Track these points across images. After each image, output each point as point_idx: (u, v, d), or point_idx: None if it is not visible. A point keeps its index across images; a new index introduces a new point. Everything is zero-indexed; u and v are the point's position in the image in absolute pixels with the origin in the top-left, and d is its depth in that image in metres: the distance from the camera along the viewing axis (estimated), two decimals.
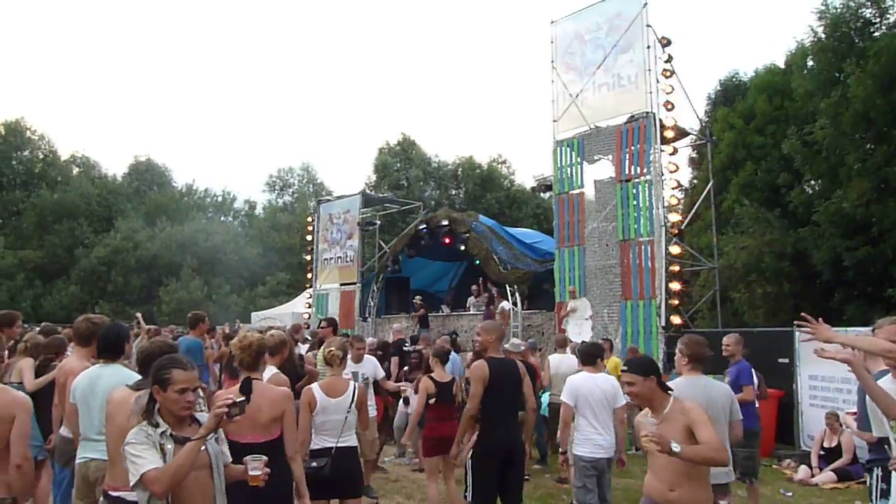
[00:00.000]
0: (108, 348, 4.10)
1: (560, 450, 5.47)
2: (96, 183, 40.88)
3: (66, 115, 73.55)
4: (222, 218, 46.90)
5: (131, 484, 2.54)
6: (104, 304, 33.09)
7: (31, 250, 35.22)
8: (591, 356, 5.63)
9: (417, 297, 15.96)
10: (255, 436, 3.54)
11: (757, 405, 6.70)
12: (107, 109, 77.05)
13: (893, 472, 3.75)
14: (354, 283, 18.18)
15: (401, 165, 40.12)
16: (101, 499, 3.41)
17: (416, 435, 7.21)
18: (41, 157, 40.36)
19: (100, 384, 3.91)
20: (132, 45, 79.82)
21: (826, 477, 8.42)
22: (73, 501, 4.20)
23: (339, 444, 4.53)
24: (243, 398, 2.77)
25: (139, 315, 10.65)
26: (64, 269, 35.54)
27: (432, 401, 6.00)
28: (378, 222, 19.70)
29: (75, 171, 42.34)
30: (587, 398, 5.32)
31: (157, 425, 2.60)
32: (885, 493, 4.15)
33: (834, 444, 8.60)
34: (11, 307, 30.13)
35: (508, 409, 5.11)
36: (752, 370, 6.61)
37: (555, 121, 13.79)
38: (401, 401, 9.29)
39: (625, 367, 3.57)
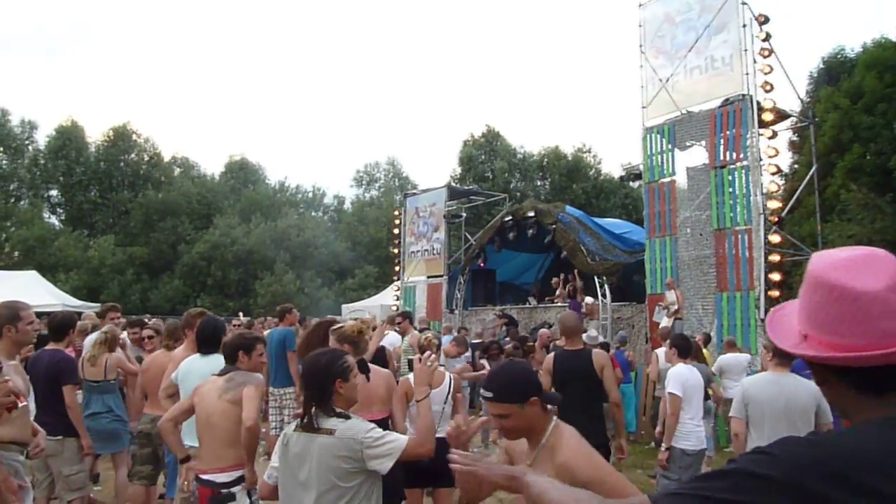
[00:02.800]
0: (206, 341, 4.35)
1: (664, 445, 5.27)
2: (195, 182, 43.03)
3: (167, 118, 77.75)
4: (313, 213, 48.42)
5: (393, 462, 2.62)
6: (205, 298, 34.85)
7: (138, 247, 37.49)
8: (689, 348, 5.46)
9: (496, 313, 15.85)
10: (372, 414, 3.74)
11: None
12: (203, 111, 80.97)
13: None
14: (441, 276, 18.32)
15: (486, 157, 40.12)
16: (193, 482, 3.61)
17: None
18: (146, 158, 42.79)
19: (195, 373, 4.18)
20: (224, 48, 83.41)
21: None
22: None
23: (438, 435, 4.58)
24: None
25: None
26: (168, 265, 37.66)
27: None
28: (464, 215, 19.76)
29: (176, 171, 44.72)
30: (693, 390, 5.18)
31: (339, 414, 2.70)
32: None
33: None
34: (121, 300, 32.24)
35: (577, 400, 4.97)
36: None
37: (644, 107, 13.39)
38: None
39: (488, 394, 2.25)
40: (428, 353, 3.31)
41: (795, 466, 0.96)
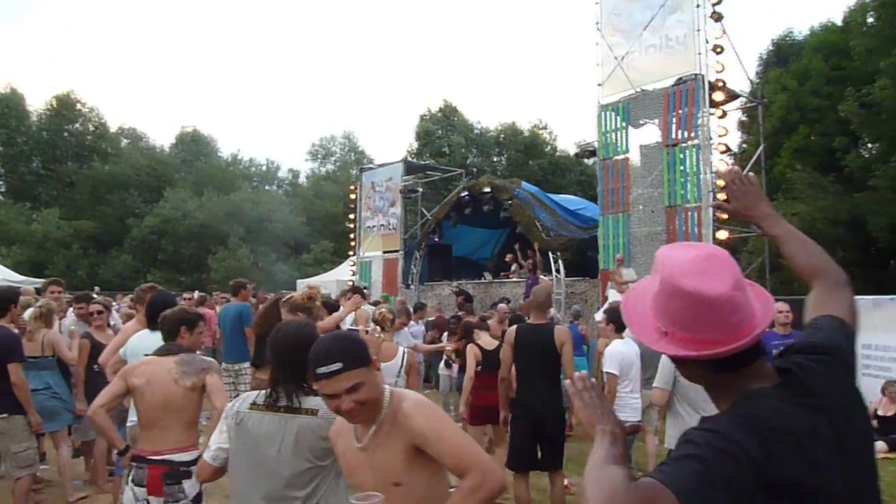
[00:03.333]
0: (157, 317, 4.26)
1: None
2: (145, 154, 41.88)
3: (113, 87, 75.14)
4: (267, 187, 47.71)
5: None
6: (156, 273, 34.11)
7: (85, 220, 36.38)
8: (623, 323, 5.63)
9: (454, 286, 15.94)
10: None
11: None
12: (153, 81, 78.45)
13: None
14: (397, 251, 18.30)
15: (443, 132, 39.97)
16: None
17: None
18: (91, 129, 41.37)
19: (145, 348, 4.10)
20: (175, 16, 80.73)
21: (878, 447, 8.26)
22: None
23: None
24: None
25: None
26: (117, 239, 36.68)
27: (478, 368, 6.06)
28: (420, 190, 19.70)
29: (124, 142, 43.37)
30: (630, 364, 5.43)
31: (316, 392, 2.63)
32: None
33: (891, 413, 8.43)
34: (67, 276, 31.32)
35: (537, 374, 5.07)
36: None
37: (599, 85, 13.49)
38: (441, 363, 9.45)
39: (335, 366, 1.92)
40: (373, 324, 3.28)
41: (740, 438, 1.13)
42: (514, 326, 5.30)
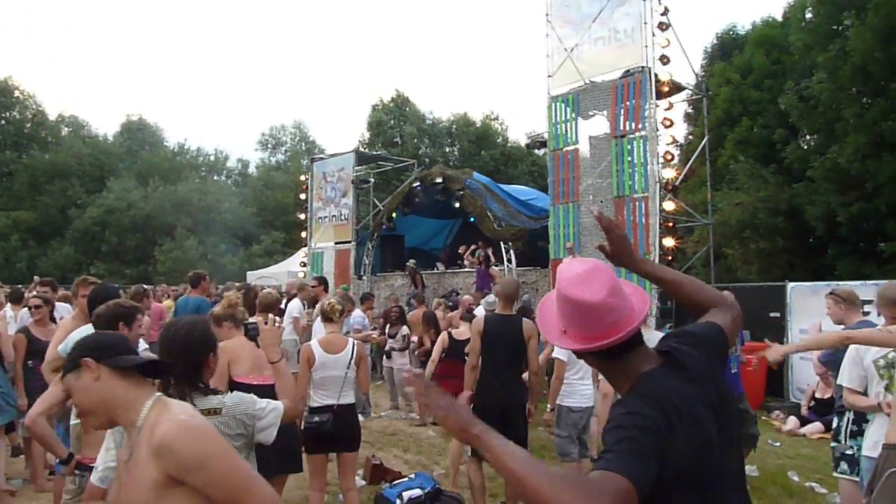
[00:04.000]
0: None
1: (549, 405, 5.55)
2: (87, 143, 40.50)
3: (54, 75, 72.35)
4: (216, 177, 46.69)
5: (276, 430, 2.52)
6: (99, 265, 33.11)
7: (24, 211, 35.04)
8: None
9: (410, 262, 15.96)
10: (265, 377, 3.76)
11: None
12: (96, 69, 75.77)
13: (874, 415, 3.86)
14: (349, 242, 18.18)
15: (395, 122, 39.75)
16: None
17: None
18: (30, 116, 39.78)
19: None
20: (120, 1, 78.05)
21: (814, 427, 8.62)
22: None
23: (341, 402, 4.61)
24: None
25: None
26: (58, 230, 35.43)
27: (443, 356, 6.12)
28: (372, 180, 19.59)
29: (65, 131, 41.85)
30: None
31: (213, 390, 2.51)
32: (855, 434, 4.32)
33: (827, 395, 8.74)
34: (6, 268, 30.14)
35: (504, 365, 5.14)
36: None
37: (549, 76, 13.61)
38: (384, 356, 9.47)
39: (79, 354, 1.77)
40: (273, 316, 3.19)
41: (650, 413, 1.43)
42: (483, 316, 5.35)
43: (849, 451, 4.41)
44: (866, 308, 5.87)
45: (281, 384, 2.81)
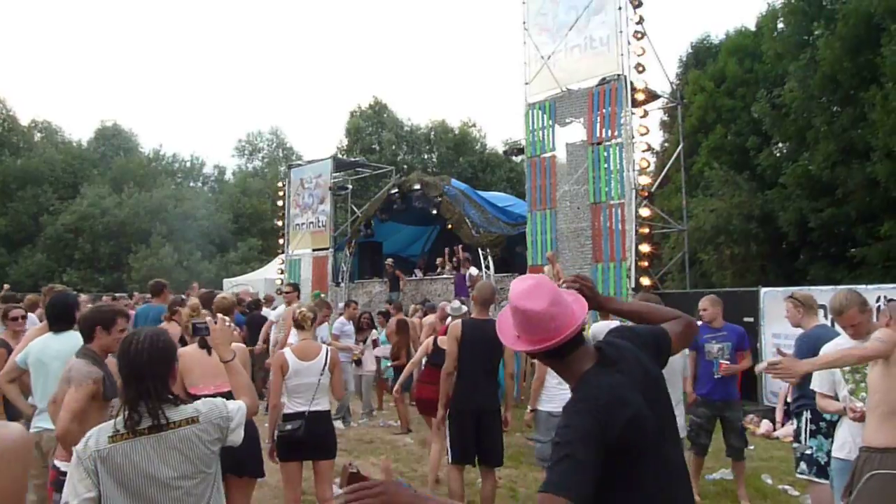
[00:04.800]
0: (58, 318, 4.08)
1: (529, 407, 5.55)
2: (60, 148, 39.85)
3: (24, 79, 71.22)
4: (192, 184, 46.18)
5: (243, 425, 2.49)
6: (72, 272, 32.56)
7: None
8: None
9: (389, 260, 15.94)
10: (217, 386, 3.67)
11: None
12: (70, 74, 74.80)
13: (842, 417, 3.92)
14: (327, 249, 18.09)
15: (373, 129, 39.68)
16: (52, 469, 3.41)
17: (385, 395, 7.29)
18: (0, 122, 39.10)
19: (50, 353, 3.92)
20: (96, 7, 77.17)
21: (787, 430, 8.70)
22: None
23: (312, 409, 4.56)
24: None
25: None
26: (30, 237, 34.80)
27: (426, 362, 6.13)
28: (350, 187, 19.53)
29: (37, 136, 41.18)
30: None
31: (181, 399, 2.50)
32: (815, 433, 4.38)
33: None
34: None
35: (480, 369, 5.12)
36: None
37: (527, 83, 13.70)
38: (352, 364, 9.46)
39: None
40: (222, 316, 3.13)
41: (583, 423, 1.74)
42: (459, 321, 5.31)
43: (808, 451, 4.47)
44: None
45: (237, 382, 2.76)
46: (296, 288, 9.62)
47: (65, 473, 3.17)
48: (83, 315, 3.65)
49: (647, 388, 1.89)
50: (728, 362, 5.91)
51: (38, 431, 3.92)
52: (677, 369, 5.39)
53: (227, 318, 2.96)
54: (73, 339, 3.93)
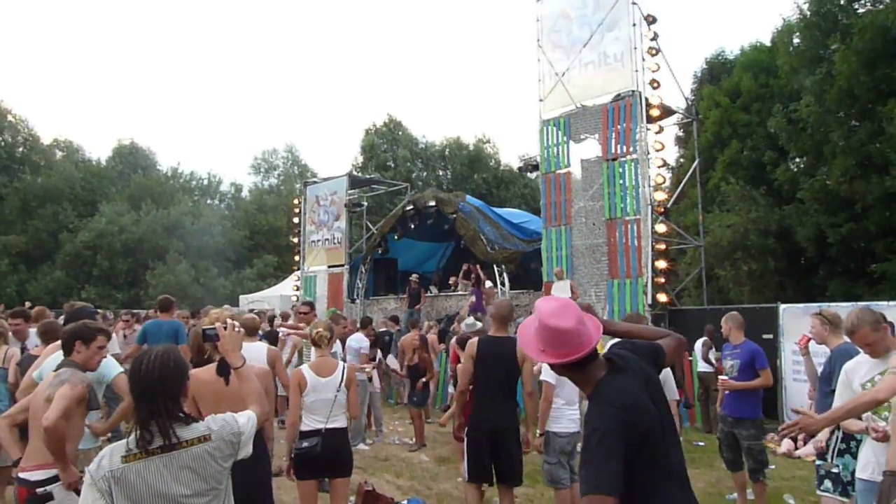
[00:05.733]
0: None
1: (538, 430, 5.43)
2: (80, 167, 40.39)
3: (47, 99, 72.47)
4: (209, 201, 46.59)
5: (252, 437, 2.52)
6: (90, 289, 32.85)
7: (14, 235, 34.81)
8: None
9: (414, 276, 15.90)
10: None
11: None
12: (89, 93, 76.06)
13: (865, 437, 3.85)
14: (342, 265, 18.16)
15: (388, 146, 39.91)
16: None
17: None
18: (22, 140, 39.73)
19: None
20: (113, 27, 78.58)
21: (808, 450, 8.56)
22: None
23: (329, 426, 4.55)
24: None
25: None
26: (49, 254, 35.20)
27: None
28: (365, 204, 19.64)
29: (58, 155, 41.80)
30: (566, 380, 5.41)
31: (193, 417, 2.51)
32: (843, 452, 4.31)
33: None
34: None
35: (496, 388, 5.03)
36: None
37: (541, 100, 13.75)
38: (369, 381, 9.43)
39: None
40: (232, 321, 3.06)
41: (606, 423, 2.02)
42: (476, 339, 5.23)
43: (834, 470, 4.40)
44: None
45: (247, 388, 2.74)
46: (312, 307, 9.52)
47: (37, 485, 3.20)
48: (65, 329, 3.74)
49: (650, 390, 2.23)
50: (727, 377, 5.90)
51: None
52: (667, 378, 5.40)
53: (236, 323, 2.92)
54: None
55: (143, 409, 2.28)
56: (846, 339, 4.47)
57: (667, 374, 4.59)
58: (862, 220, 15.14)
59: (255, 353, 4.77)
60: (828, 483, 4.43)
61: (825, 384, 4.56)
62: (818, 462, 4.54)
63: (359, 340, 8.97)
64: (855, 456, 4.26)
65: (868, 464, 3.78)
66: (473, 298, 13.20)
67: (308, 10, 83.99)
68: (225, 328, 2.82)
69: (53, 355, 4.12)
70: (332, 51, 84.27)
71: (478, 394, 5.05)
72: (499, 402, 5.03)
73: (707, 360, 10.26)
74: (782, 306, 10.53)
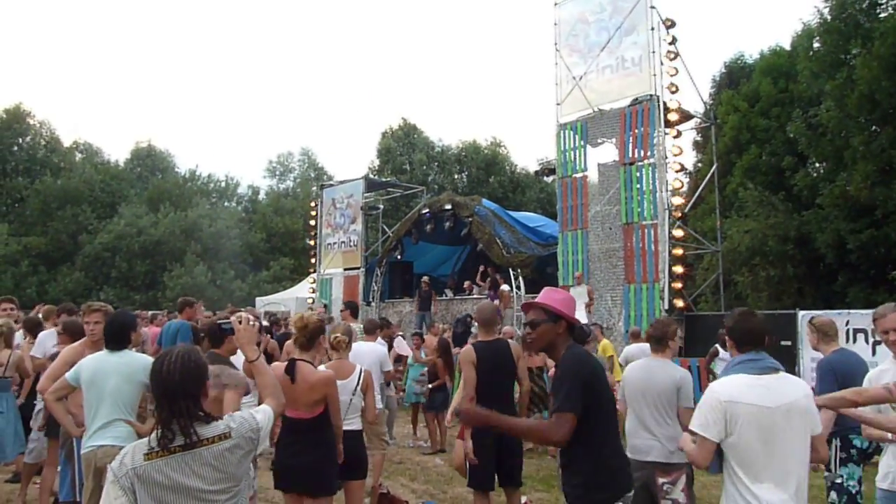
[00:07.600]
0: (115, 337, 4.14)
1: None
2: (99, 169, 40.81)
3: (67, 101, 73.46)
4: (226, 203, 46.91)
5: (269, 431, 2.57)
6: (109, 290, 33.16)
7: (35, 237, 35.23)
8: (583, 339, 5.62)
9: (425, 278, 15.91)
10: (298, 413, 3.95)
11: None
12: (108, 95, 76.96)
13: (887, 445, 3.80)
14: (358, 268, 18.21)
15: (404, 150, 39.99)
16: None
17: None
18: (43, 143, 40.25)
19: (108, 371, 3.97)
20: (131, 30, 79.50)
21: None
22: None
23: (347, 428, 4.55)
24: None
25: None
26: (68, 256, 35.61)
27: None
28: (381, 207, 19.69)
29: (78, 157, 42.29)
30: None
31: (213, 415, 2.55)
32: (845, 461, 4.25)
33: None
34: (16, 294, 30.20)
35: (497, 390, 5.00)
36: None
37: (558, 104, 13.72)
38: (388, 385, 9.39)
39: None
40: (246, 315, 3.09)
41: (577, 366, 2.88)
42: (470, 345, 5.23)
43: (838, 480, 4.34)
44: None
45: (262, 382, 2.76)
46: (350, 307, 9.19)
47: None
48: (114, 321, 4.14)
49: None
50: None
51: (92, 450, 3.91)
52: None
53: (251, 317, 2.96)
54: (128, 357, 4.07)
55: (164, 410, 2.30)
56: (840, 346, 4.50)
57: (684, 380, 4.50)
58: (882, 226, 14.96)
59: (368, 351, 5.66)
60: (833, 495, 4.37)
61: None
62: (825, 473, 4.48)
63: (380, 355, 8.40)
64: (858, 464, 4.23)
65: (888, 474, 3.71)
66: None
67: (325, 14, 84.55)
68: (240, 322, 2.86)
69: (96, 356, 4.12)
70: (348, 54, 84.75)
71: (480, 398, 5.04)
72: (503, 403, 5.02)
73: (709, 369, 10.14)
74: (801, 313, 10.42)
